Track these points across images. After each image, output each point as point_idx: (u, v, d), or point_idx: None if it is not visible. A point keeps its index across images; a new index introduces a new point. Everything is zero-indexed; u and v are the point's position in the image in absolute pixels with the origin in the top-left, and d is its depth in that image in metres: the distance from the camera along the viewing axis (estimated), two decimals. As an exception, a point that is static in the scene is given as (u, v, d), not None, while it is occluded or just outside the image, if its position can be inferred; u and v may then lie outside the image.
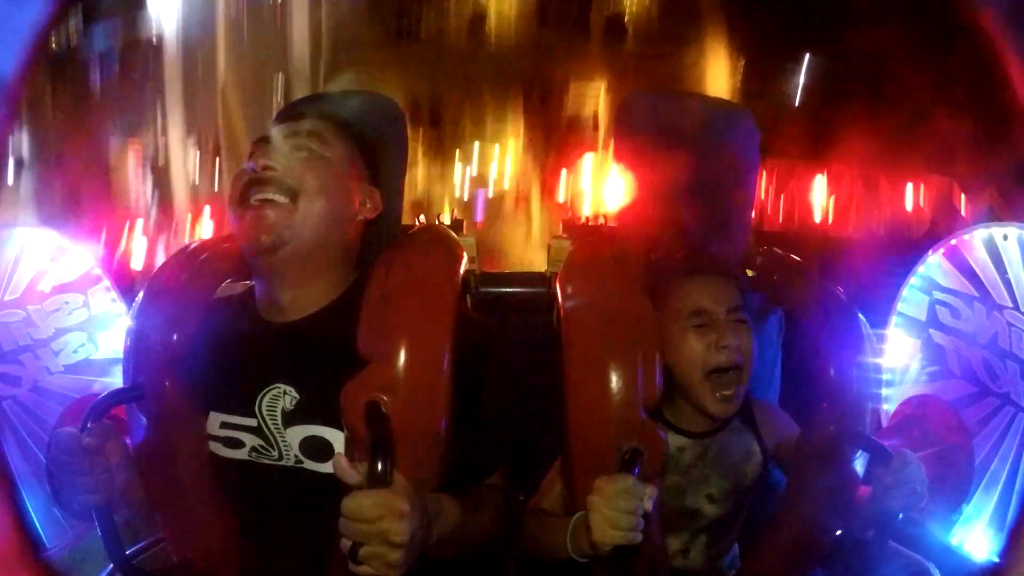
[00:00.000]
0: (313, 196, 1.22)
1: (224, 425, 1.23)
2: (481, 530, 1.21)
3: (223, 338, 1.26)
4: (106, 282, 1.64)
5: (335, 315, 1.23)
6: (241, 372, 1.23)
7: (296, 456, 1.19)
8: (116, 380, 1.49)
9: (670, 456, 1.36)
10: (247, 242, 1.22)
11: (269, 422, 1.20)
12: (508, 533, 1.30)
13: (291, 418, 1.20)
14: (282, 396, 1.20)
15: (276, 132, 1.26)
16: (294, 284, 1.25)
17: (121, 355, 1.32)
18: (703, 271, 1.39)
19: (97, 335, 1.63)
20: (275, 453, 1.20)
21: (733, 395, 1.33)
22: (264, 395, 1.21)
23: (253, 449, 1.21)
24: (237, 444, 1.22)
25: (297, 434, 1.19)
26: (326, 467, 1.17)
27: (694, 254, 1.43)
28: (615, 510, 1.07)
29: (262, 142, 1.26)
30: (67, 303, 1.60)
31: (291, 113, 1.32)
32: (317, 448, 1.19)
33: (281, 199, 1.20)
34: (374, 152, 1.35)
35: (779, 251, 1.56)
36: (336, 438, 1.17)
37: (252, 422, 1.21)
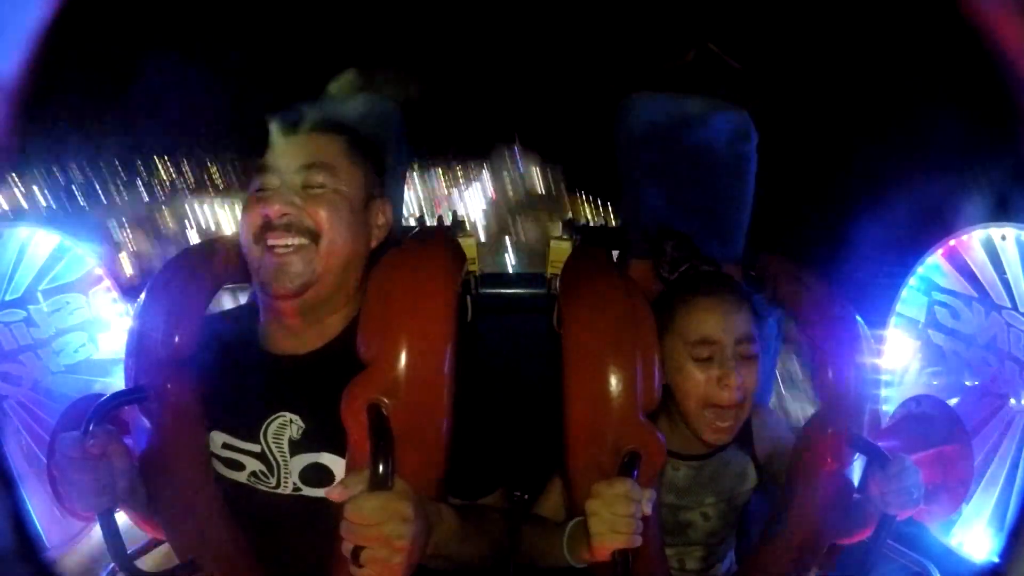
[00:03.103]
0: (333, 233, 1.19)
1: (226, 446, 1.23)
2: (480, 549, 1.20)
3: (226, 359, 1.25)
4: (107, 282, 1.64)
5: (344, 345, 1.21)
6: (246, 399, 1.22)
7: (295, 484, 1.19)
8: (117, 380, 1.50)
9: (664, 476, 1.36)
10: (270, 286, 1.18)
11: (275, 450, 1.20)
12: (506, 552, 1.29)
13: (298, 447, 1.19)
14: (288, 425, 1.20)
15: (283, 162, 1.20)
16: (312, 319, 1.23)
17: (122, 355, 1.32)
18: (713, 293, 1.33)
19: (98, 335, 1.63)
20: (273, 481, 1.20)
21: (730, 428, 1.31)
22: (270, 423, 1.20)
23: (252, 474, 1.21)
24: (237, 466, 1.22)
25: (300, 462, 1.19)
26: (323, 490, 1.17)
27: (707, 275, 1.39)
28: (614, 514, 1.07)
29: (269, 174, 1.20)
30: (68, 303, 1.60)
31: (293, 124, 1.26)
32: (317, 475, 1.19)
33: (302, 241, 1.18)
34: (381, 161, 1.33)
35: (778, 254, 1.57)
36: (336, 464, 1.18)
37: (255, 448, 1.21)
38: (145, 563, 1.36)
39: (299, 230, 1.18)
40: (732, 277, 1.41)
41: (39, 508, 1.42)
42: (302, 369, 1.23)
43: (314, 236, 1.18)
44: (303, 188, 1.20)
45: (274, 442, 1.20)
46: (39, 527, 1.44)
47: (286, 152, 1.21)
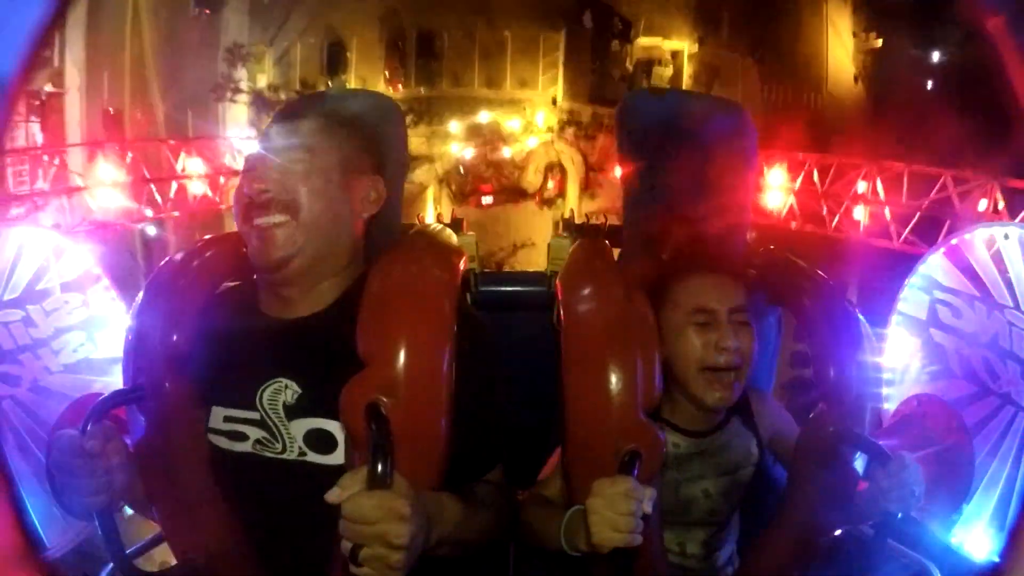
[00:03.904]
0: (313, 207, 1.22)
1: (227, 419, 1.23)
2: (481, 528, 1.21)
3: (224, 332, 1.26)
4: (105, 281, 1.64)
5: (339, 312, 1.23)
6: (242, 366, 1.23)
7: (300, 448, 1.19)
8: (116, 379, 1.50)
9: (666, 452, 1.37)
10: (257, 260, 1.23)
11: (272, 415, 1.20)
12: (508, 526, 1.30)
13: (293, 411, 1.20)
14: (283, 390, 1.20)
15: (268, 144, 1.26)
16: (304, 287, 1.26)
17: (120, 354, 1.32)
18: (709, 269, 1.38)
19: (96, 334, 1.63)
20: (279, 446, 1.20)
21: (729, 389, 1.34)
22: (265, 388, 1.21)
23: (257, 442, 1.21)
24: (241, 437, 1.22)
25: (301, 427, 1.19)
26: (329, 459, 1.17)
27: (702, 252, 1.43)
28: (615, 513, 1.07)
29: (255, 159, 1.26)
30: (67, 302, 1.60)
31: (288, 114, 1.31)
32: (321, 440, 1.19)
33: (282, 218, 1.21)
34: (376, 143, 1.35)
35: (779, 250, 1.56)
36: (339, 430, 1.17)
37: (255, 415, 1.21)
38: (145, 563, 1.36)
39: (279, 207, 1.21)
40: (725, 256, 1.43)
41: (39, 508, 1.42)
42: (296, 334, 1.24)
43: (293, 211, 1.21)
44: (279, 165, 1.23)
45: (270, 407, 1.20)
46: (39, 527, 1.44)
47: (267, 139, 1.26)
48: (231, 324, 1.28)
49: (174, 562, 1.30)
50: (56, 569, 1.26)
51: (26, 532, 0.89)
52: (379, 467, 0.98)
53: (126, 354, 1.29)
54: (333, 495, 0.99)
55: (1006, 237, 1.47)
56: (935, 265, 1.60)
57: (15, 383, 1.53)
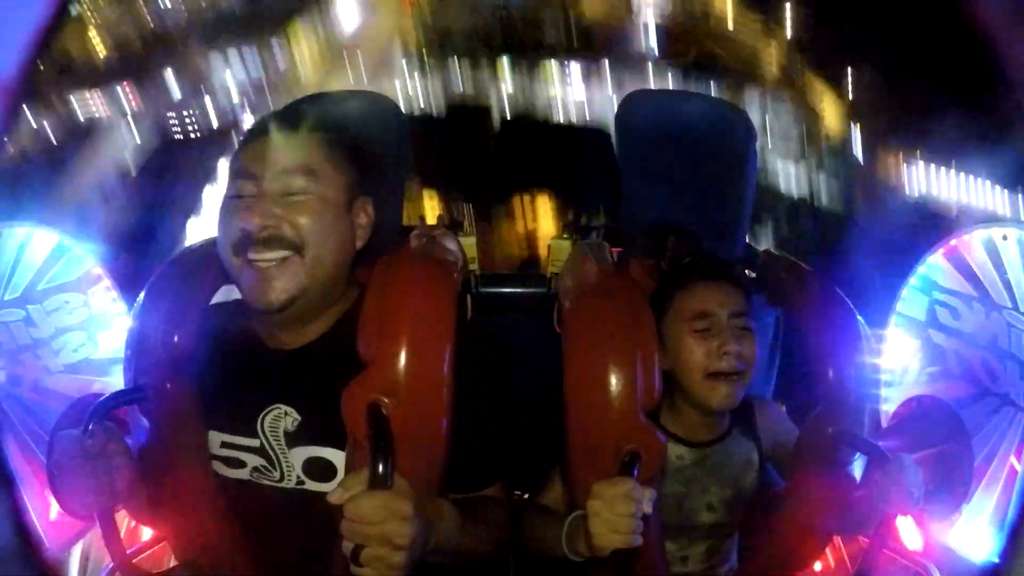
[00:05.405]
0: (318, 244, 1.14)
1: (224, 445, 1.22)
2: (480, 542, 1.21)
3: (221, 356, 1.25)
4: (106, 281, 1.63)
5: (337, 338, 1.21)
6: (241, 393, 1.22)
7: (298, 477, 1.19)
8: (116, 380, 1.50)
9: (670, 464, 1.37)
10: (254, 300, 1.14)
11: (273, 442, 1.20)
12: (507, 544, 1.29)
13: (294, 439, 1.19)
14: (283, 417, 1.20)
15: (260, 166, 1.14)
16: (301, 321, 1.22)
17: (121, 355, 1.32)
18: (708, 275, 1.39)
19: (97, 334, 1.62)
20: (276, 474, 1.20)
21: (734, 392, 1.34)
22: (266, 415, 1.20)
23: (255, 469, 1.21)
24: (238, 464, 1.22)
25: (300, 455, 1.19)
26: (328, 487, 1.14)
27: (701, 259, 1.43)
28: (615, 514, 1.08)
29: (245, 179, 1.14)
30: (67, 302, 1.60)
31: (282, 128, 1.19)
32: (320, 469, 1.19)
33: (285, 253, 1.13)
34: (369, 158, 1.30)
35: (778, 252, 1.57)
36: (338, 458, 1.17)
37: (255, 442, 1.20)
38: (145, 563, 1.36)
39: (281, 243, 1.12)
40: (725, 261, 1.44)
41: (39, 508, 1.42)
42: (296, 362, 1.23)
43: (298, 247, 1.13)
44: (283, 195, 1.13)
45: (271, 434, 1.20)
46: (39, 527, 1.44)
47: (264, 155, 1.15)
48: (227, 349, 1.25)
49: (174, 562, 1.30)
50: (56, 569, 1.26)
51: (26, 532, 0.89)
52: (380, 467, 0.99)
53: (127, 354, 1.29)
54: (335, 495, 0.99)
55: (1004, 238, 1.47)
56: (934, 266, 1.60)
57: (16, 383, 1.53)
